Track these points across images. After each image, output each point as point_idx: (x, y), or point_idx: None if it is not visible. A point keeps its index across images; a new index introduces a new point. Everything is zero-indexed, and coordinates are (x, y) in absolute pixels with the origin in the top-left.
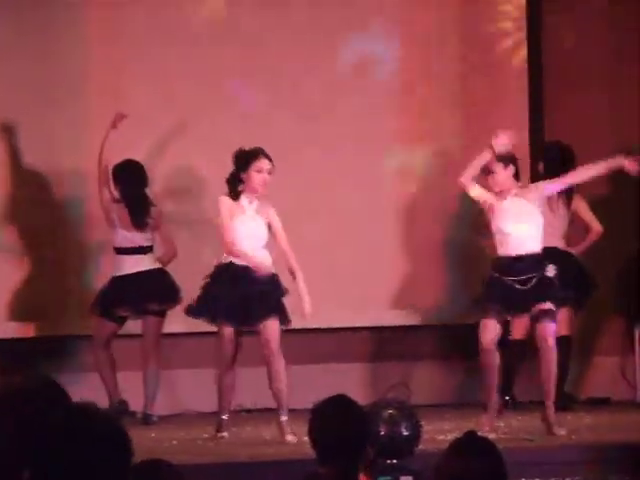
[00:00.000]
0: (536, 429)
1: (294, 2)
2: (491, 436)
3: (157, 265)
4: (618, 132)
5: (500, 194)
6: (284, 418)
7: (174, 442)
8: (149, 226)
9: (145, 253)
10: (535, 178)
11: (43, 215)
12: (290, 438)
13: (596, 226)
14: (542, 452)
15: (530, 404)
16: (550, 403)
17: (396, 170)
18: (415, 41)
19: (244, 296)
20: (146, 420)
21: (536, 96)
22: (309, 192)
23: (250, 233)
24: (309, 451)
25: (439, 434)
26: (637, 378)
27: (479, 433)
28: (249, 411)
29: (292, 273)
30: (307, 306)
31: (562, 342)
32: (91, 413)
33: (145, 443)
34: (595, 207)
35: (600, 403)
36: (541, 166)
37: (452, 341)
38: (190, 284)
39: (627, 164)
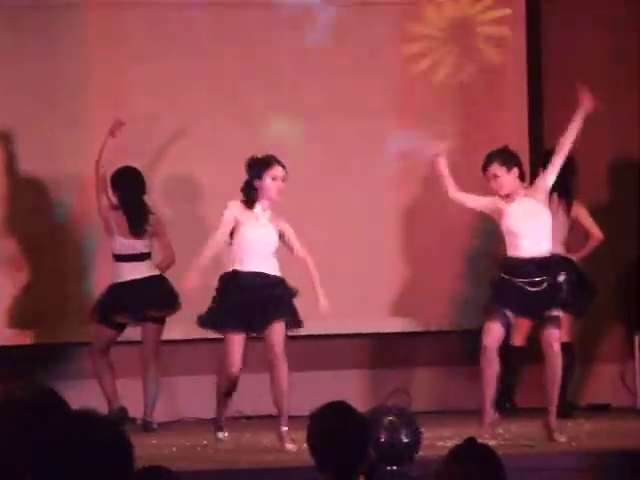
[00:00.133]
0: (536, 435)
1: (296, 4)
2: (491, 443)
3: (156, 272)
4: (618, 135)
5: (508, 197)
6: (284, 428)
7: (174, 449)
8: (147, 233)
9: (143, 260)
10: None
11: (42, 221)
12: (290, 447)
13: (596, 232)
14: (542, 458)
15: (530, 410)
16: (553, 409)
17: (396, 174)
18: (415, 43)
19: (252, 302)
20: (146, 427)
21: (536, 99)
22: (308, 196)
23: (261, 239)
24: (309, 458)
25: (439, 441)
26: (637, 385)
27: (479, 440)
28: (249, 418)
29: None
30: (322, 299)
31: (564, 349)
32: (92, 420)
33: (145, 450)
34: (595, 213)
35: (600, 410)
36: (542, 170)
37: (452, 348)
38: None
39: (583, 102)
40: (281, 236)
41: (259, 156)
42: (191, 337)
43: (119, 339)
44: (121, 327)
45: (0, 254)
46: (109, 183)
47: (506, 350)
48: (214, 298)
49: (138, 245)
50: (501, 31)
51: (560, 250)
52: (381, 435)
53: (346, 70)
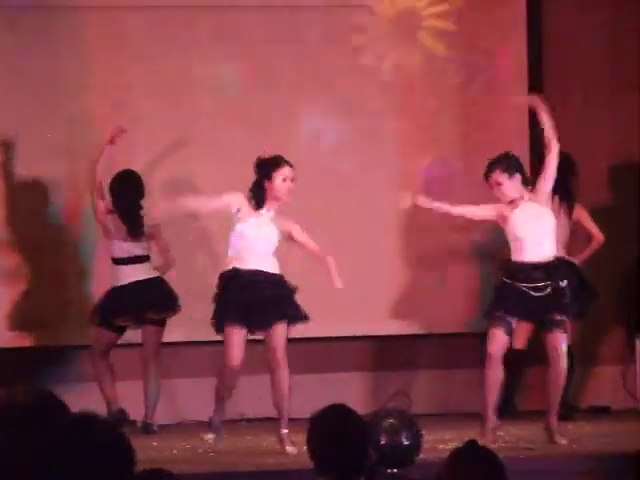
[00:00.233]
0: (537, 438)
1: (298, 9)
2: (492, 446)
3: (154, 274)
4: (618, 137)
5: (512, 203)
6: (285, 431)
7: (174, 451)
8: (145, 236)
9: (142, 262)
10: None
11: (41, 223)
12: (290, 449)
13: (598, 235)
14: (543, 461)
15: (530, 413)
16: (554, 411)
17: (396, 178)
18: (416, 49)
19: (253, 300)
20: (146, 429)
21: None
22: (308, 198)
23: (262, 236)
24: (309, 461)
25: (440, 443)
26: (638, 387)
27: (480, 442)
28: (249, 420)
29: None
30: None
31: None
32: (93, 422)
33: (146, 452)
34: (595, 215)
35: (601, 412)
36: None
37: (453, 350)
38: (189, 292)
39: (532, 104)
40: (289, 237)
41: (267, 156)
42: (192, 339)
43: (119, 341)
44: (121, 330)
45: (1, 257)
46: (107, 188)
47: (506, 353)
48: (215, 297)
49: (136, 248)
50: (502, 37)
51: (562, 253)
52: (382, 438)
53: (346, 70)
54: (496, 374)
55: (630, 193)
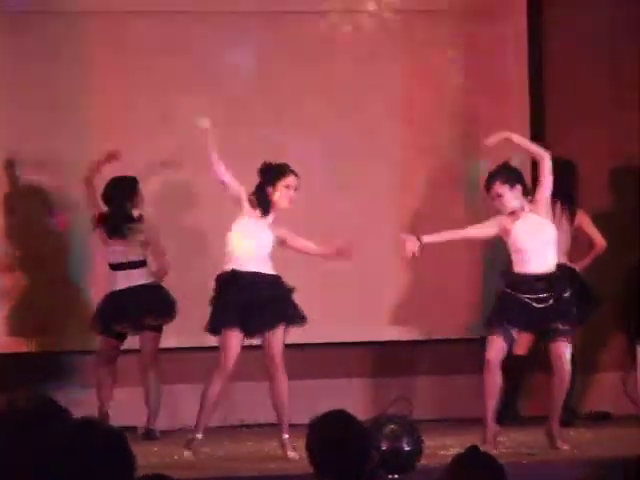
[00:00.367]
0: (538, 443)
1: (299, 20)
2: (493, 451)
3: (150, 280)
4: (619, 141)
5: (513, 215)
6: (286, 436)
7: (176, 457)
8: (140, 241)
9: (136, 268)
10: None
11: (44, 230)
12: (292, 455)
13: (600, 240)
14: (545, 467)
15: (532, 419)
16: (556, 417)
17: (397, 184)
18: (417, 55)
19: (251, 302)
20: (149, 435)
21: (537, 111)
22: (309, 206)
23: (259, 239)
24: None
25: (441, 449)
26: (638, 393)
27: (481, 448)
28: (250, 426)
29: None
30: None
31: None
32: (94, 428)
33: (147, 458)
34: (596, 221)
35: (601, 418)
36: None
37: (454, 356)
38: (185, 297)
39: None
40: (284, 244)
41: (273, 163)
42: (194, 345)
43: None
44: (122, 336)
45: (1, 262)
46: (100, 195)
47: (507, 359)
48: (212, 299)
49: (130, 253)
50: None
51: (563, 259)
52: (383, 443)
53: (347, 75)
54: (494, 380)
55: (631, 199)
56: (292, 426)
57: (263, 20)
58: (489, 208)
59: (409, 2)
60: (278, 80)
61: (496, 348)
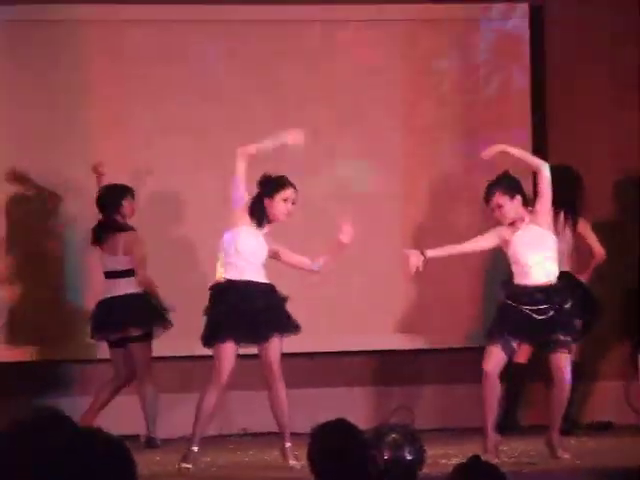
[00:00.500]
0: (539, 453)
1: (299, 29)
2: (494, 461)
3: (136, 289)
4: (620, 151)
5: (513, 225)
6: (288, 444)
7: (177, 466)
8: (123, 250)
9: (123, 277)
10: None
11: (43, 238)
12: (294, 463)
13: (598, 250)
14: (546, 476)
15: (533, 428)
16: (557, 427)
17: (399, 194)
18: (418, 64)
19: (247, 314)
20: (150, 443)
21: (539, 119)
22: (311, 215)
23: (255, 248)
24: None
25: (443, 458)
26: None
27: (483, 457)
28: (252, 435)
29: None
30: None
31: None
32: (95, 437)
33: (149, 467)
34: (598, 230)
35: (603, 428)
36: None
37: (456, 365)
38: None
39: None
40: (277, 258)
41: (272, 175)
42: (195, 354)
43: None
44: (117, 344)
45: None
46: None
47: (508, 367)
48: (207, 309)
49: (116, 262)
50: (504, 52)
51: (566, 268)
52: (384, 453)
53: (348, 85)
54: (493, 391)
55: (634, 208)
56: (294, 435)
57: (262, 29)
58: (489, 219)
59: (410, 11)
60: (278, 89)
61: (494, 359)
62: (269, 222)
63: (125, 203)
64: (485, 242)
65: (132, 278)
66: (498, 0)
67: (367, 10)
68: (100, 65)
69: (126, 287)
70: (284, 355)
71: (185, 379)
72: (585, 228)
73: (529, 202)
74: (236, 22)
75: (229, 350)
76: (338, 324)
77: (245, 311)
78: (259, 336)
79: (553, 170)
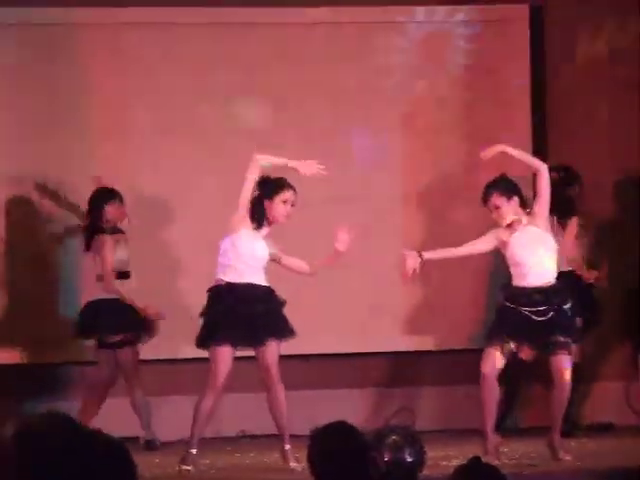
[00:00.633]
0: (540, 454)
1: (302, 32)
2: (495, 462)
3: (110, 295)
4: (620, 150)
5: (510, 227)
6: (287, 446)
7: (177, 468)
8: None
9: (100, 281)
10: None
11: (42, 241)
12: (294, 465)
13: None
14: (547, 478)
15: (533, 429)
16: (557, 428)
17: (400, 197)
18: (420, 68)
19: (245, 317)
20: (149, 445)
21: (540, 123)
22: (313, 217)
23: (256, 250)
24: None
25: (444, 460)
26: None
27: (484, 459)
28: (251, 437)
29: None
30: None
31: None
32: (96, 439)
33: (149, 469)
34: (598, 230)
35: (603, 429)
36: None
37: (457, 366)
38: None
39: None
40: (277, 262)
41: (272, 177)
42: (194, 356)
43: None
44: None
45: None
46: None
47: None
48: (204, 311)
49: (97, 267)
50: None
51: (568, 266)
52: (385, 454)
53: (351, 88)
54: (492, 393)
55: (633, 208)
56: (295, 437)
57: (264, 32)
58: (490, 220)
59: (411, 13)
60: (280, 91)
61: (492, 361)
62: (269, 224)
63: (108, 207)
64: (482, 245)
65: (101, 283)
66: (498, 1)
67: (369, 12)
68: (100, 67)
69: (99, 291)
70: (283, 357)
71: (184, 381)
72: (570, 227)
73: (527, 204)
74: (236, 25)
75: (226, 353)
76: (339, 326)
77: (243, 314)
78: (256, 340)
79: (551, 169)
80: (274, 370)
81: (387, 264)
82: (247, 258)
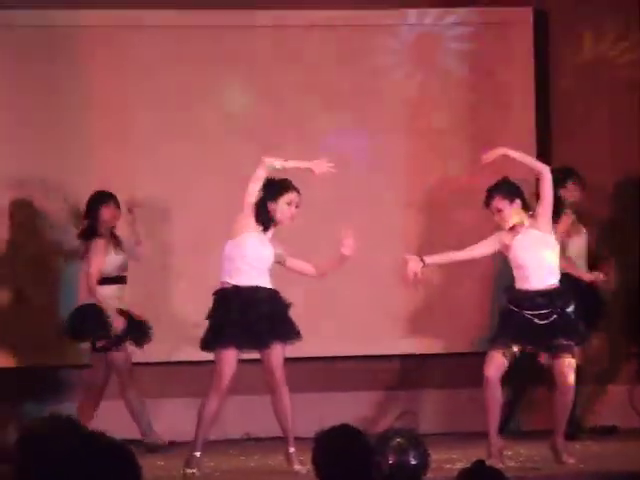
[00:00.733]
0: (543, 458)
1: (301, 34)
2: (499, 466)
3: (90, 300)
4: (620, 151)
5: (513, 229)
6: (292, 449)
7: (181, 471)
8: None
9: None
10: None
11: (39, 245)
12: (298, 468)
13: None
14: None
15: (537, 433)
16: (561, 431)
17: (403, 199)
18: (422, 69)
19: (251, 321)
20: (150, 447)
21: (544, 125)
22: (317, 220)
23: (262, 253)
24: None
25: (447, 463)
26: None
27: (487, 462)
28: (256, 440)
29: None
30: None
31: None
32: (100, 441)
33: (153, 472)
34: (600, 231)
35: (607, 432)
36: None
37: (460, 369)
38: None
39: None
40: (282, 264)
41: (276, 179)
42: (198, 359)
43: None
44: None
45: None
46: None
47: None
48: (210, 314)
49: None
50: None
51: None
52: (389, 457)
53: (351, 90)
54: (494, 396)
55: (633, 208)
56: (300, 439)
57: (264, 34)
58: (492, 223)
59: (413, 16)
60: (280, 94)
61: (495, 364)
62: (274, 225)
63: (104, 209)
64: (484, 248)
65: (104, 286)
66: (502, 4)
67: (371, 15)
68: (100, 68)
69: (85, 296)
70: (288, 359)
71: (188, 384)
72: (562, 223)
73: (529, 207)
74: (236, 27)
75: (230, 355)
76: (343, 329)
77: (249, 317)
78: (261, 343)
79: (554, 171)
80: (279, 373)
81: (392, 267)
82: (253, 260)
